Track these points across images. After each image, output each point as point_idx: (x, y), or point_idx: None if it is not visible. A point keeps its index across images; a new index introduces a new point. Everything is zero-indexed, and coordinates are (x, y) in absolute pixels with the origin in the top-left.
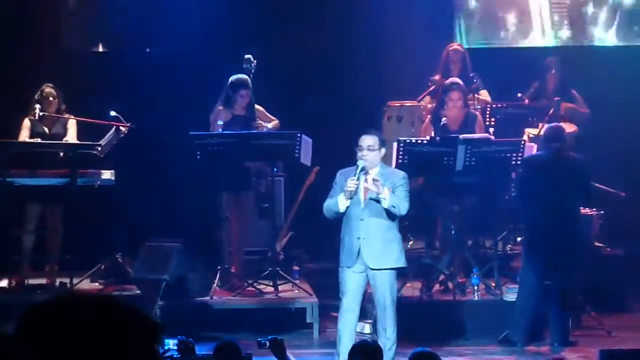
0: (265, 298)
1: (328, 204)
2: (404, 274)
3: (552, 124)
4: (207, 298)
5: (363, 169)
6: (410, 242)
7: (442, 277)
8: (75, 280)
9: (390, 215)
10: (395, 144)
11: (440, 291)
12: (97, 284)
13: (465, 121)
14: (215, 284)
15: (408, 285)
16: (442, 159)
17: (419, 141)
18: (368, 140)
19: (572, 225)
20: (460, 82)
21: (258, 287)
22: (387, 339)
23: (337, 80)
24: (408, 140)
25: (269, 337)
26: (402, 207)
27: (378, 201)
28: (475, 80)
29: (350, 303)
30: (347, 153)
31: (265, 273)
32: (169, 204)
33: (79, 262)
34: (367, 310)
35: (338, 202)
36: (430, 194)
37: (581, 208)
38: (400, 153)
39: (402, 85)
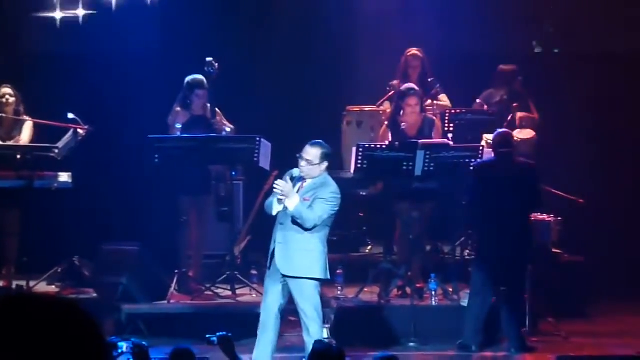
0: (223, 302)
1: (266, 203)
2: (362, 278)
3: (501, 130)
4: (164, 302)
5: (295, 177)
6: (369, 247)
7: (400, 282)
8: (32, 283)
9: (300, 225)
10: (354, 149)
11: (399, 296)
12: (54, 286)
13: (423, 127)
14: (173, 288)
15: (366, 290)
16: (401, 164)
17: (378, 146)
18: (309, 154)
19: (522, 231)
20: (417, 87)
21: (216, 291)
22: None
23: (297, 85)
24: (367, 145)
25: (218, 334)
26: (308, 219)
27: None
28: (434, 85)
29: (266, 308)
30: None
31: (223, 277)
32: (127, 207)
33: (36, 265)
34: (325, 315)
35: (272, 204)
36: (389, 199)
37: (536, 214)
38: (360, 158)
39: (362, 90)
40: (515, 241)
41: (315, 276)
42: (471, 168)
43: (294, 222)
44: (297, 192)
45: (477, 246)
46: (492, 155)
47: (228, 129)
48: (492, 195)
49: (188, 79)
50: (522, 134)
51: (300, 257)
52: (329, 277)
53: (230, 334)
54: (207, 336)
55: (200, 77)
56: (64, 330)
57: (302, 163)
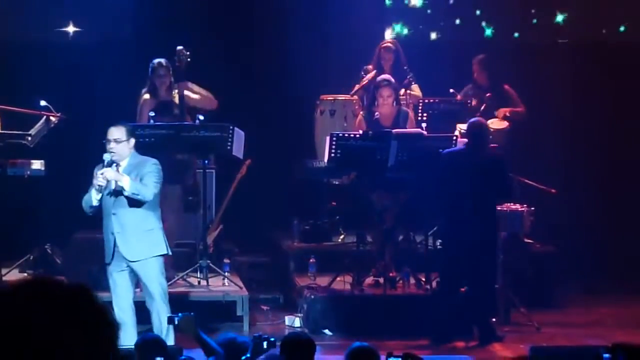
0: (195, 291)
1: (85, 198)
2: (335, 268)
3: (474, 119)
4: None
5: (112, 162)
6: (342, 236)
7: (372, 271)
8: (4, 271)
9: (141, 204)
10: (327, 138)
11: (371, 285)
12: (25, 274)
13: (397, 118)
14: None
15: (339, 279)
16: (375, 153)
17: (352, 135)
18: (114, 133)
19: (488, 221)
20: (391, 79)
21: (188, 279)
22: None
23: (269, 74)
24: (341, 135)
25: (180, 315)
26: (145, 193)
27: (119, 190)
28: (408, 75)
29: (119, 303)
30: (279, 145)
31: (196, 266)
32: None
33: (8, 252)
34: (297, 304)
35: (91, 196)
36: (362, 189)
37: (508, 204)
38: (333, 147)
39: (335, 78)
40: (481, 230)
41: (161, 253)
42: (440, 155)
43: (128, 206)
44: None
45: (444, 234)
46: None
47: (196, 96)
48: (459, 183)
49: (150, 63)
50: (495, 124)
51: (142, 239)
52: (170, 252)
53: (193, 314)
54: (169, 316)
55: (159, 59)
56: (80, 314)
57: (111, 145)
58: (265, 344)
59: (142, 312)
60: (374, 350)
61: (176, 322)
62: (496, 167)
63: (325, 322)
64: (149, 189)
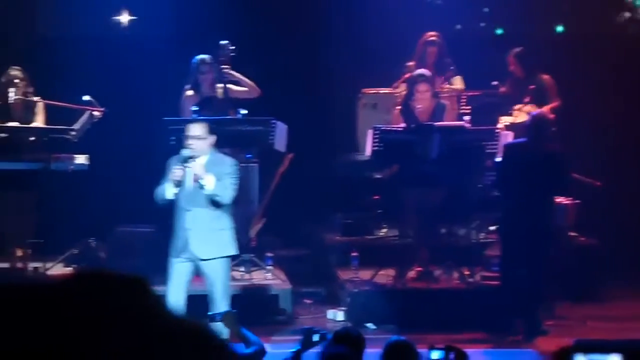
0: (237, 284)
1: (157, 190)
2: (377, 262)
3: (535, 112)
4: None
5: (191, 157)
6: (384, 230)
7: (415, 265)
8: (48, 265)
9: (217, 204)
10: (369, 132)
11: (414, 279)
12: (70, 269)
13: (435, 112)
14: None
15: (381, 272)
16: (417, 147)
17: (394, 129)
18: (196, 130)
19: (545, 215)
20: (427, 73)
21: (231, 273)
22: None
23: (312, 67)
24: (383, 128)
25: (222, 311)
26: (225, 195)
27: (201, 186)
28: (450, 68)
29: (174, 294)
30: (321, 139)
31: (238, 260)
32: (142, 190)
33: (52, 247)
34: (339, 297)
35: (165, 189)
36: (405, 182)
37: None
38: (376, 140)
39: (378, 72)
40: (537, 224)
41: (231, 253)
42: (494, 150)
43: (204, 204)
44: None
45: (501, 228)
46: (522, 136)
47: (239, 88)
48: (517, 177)
49: (193, 59)
50: (521, 118)
51: (215, 238)
52: (238, 252)
53: (235, 310)
54: (211, 313)
55: (202, 56)
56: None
57: (191, 141)
58: (317, 337)
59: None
60: (410, 345)
61: (218, 319)
62: (556, 161)
63: (368, 316)
64: (229, 192)
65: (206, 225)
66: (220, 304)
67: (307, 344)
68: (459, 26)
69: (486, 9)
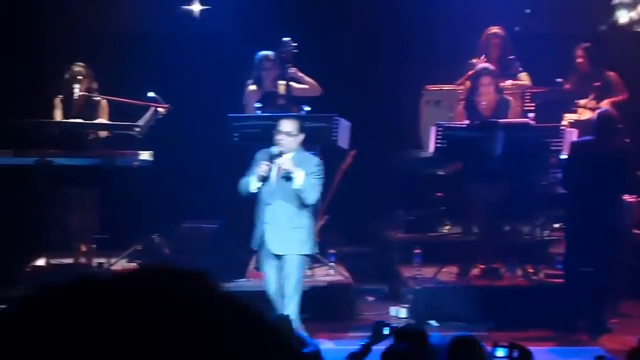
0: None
1: (242, 182)
2: (440, 259)
3: (602, 109)
4: (243, 280)
5: (279, 153)
6: (447, 227)
7: (478, 262)
8: (112, 261)
9: (299, 201)
10: (433, 128)
11: (477, 276)
12: (134, 264)
13: (498, 107)
14: (251, 266)
15: (444, 270)
16: (481, 143)
17: (458, 125)
18: (287, 126)
19: (611, 213)
20: (490, 67)
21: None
22: None
23: (375, 64)
24: (446, 125)
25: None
26: (311, 195)
27: (289, 179)
28: (514, 64)
29: (269, 288)
30: (384, 136)
31: None
32: (206, 185)
33: (116, 243)
34: (402, 295)
35: (250, 182)
36: (468, 179)
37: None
38: (439, 137)
39: (441, 69)
40: (603, 222)
41: (306, 252)
42: (559, 147)
43: (285, 200)
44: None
45: (567, 226)
46: (589, 133)
47: (301, 86)
48: (584, 174)
49: (256, 55)
50: (585, 115)
51: (291, 235)
52: (317, 250)
53: (287, 314)
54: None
55: (265, 52)
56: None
57: (281, 136)
58: (387, 330)
59: None
60: (476, 340)
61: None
62: (623, 158)
63: (431, 313)
64: (315, 191)
65: (284, 221)
66: (289, 301)
67: (376, 337)
68: (517, 28)
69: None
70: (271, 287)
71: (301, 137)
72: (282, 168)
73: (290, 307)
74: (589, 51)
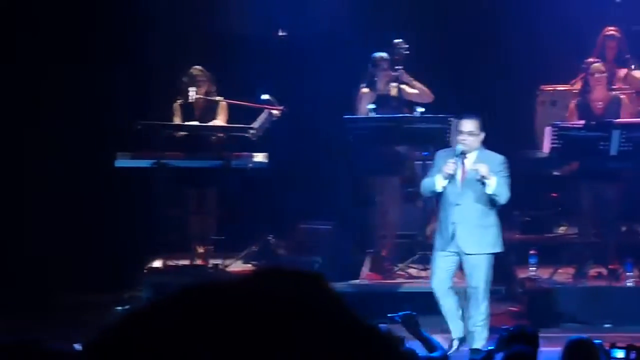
0: (415, 282)
1: (426, 182)
2: (556, 259)
3: None
4: (357, 281)
5: (463, 152)
6: (563, 228)
7: (595, 263)
8: (227, 262)
9: (488, 200)
10: (548, 129)
11: (594, 277)
12: (249, 265)
13: (610, 105)
14: (366, 268)
15: (561, 271)
16: (597, 143)
17: (574, 125)
18: (469, 125)
19: None
20: (603, 66)
21: (407, 271)
22: (476, 326)
23: (490, 65)
24: (562, 125)
25: (401, 313)
26: (503, 196)
27: (482, 183)
28: (630, 63)
29: (438, 285)
30: (498, 136)
31: (415, 257)
32: (320, 187)
33: (232, 244)
34: (518, 295)
35: (435, 181)
36: (584, 179)
37: None
38: (555, 137)
39: (556, 69)
40: None
41: (496, 251)
42: None
43: (474, 200)
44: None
45: None
46: None
47: (413, 90)
48: None
49: (372, 55)
50: None
51: (482, 234)
52: (503, 249)
53: (414, 313)
54: (390, 315)
55: (380, 53)
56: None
57: (464, 136)
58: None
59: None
60: (592, 343)
61: (399, 321)
62: None
63: (547, 314)
64: (506, 190)
65: (474, 220)
66: (481, 301)
67: (501, 345)
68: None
69: None
70: (443, 284)
71: (482, 135)
72: (479, 172)
73: (483, 305)
74: None
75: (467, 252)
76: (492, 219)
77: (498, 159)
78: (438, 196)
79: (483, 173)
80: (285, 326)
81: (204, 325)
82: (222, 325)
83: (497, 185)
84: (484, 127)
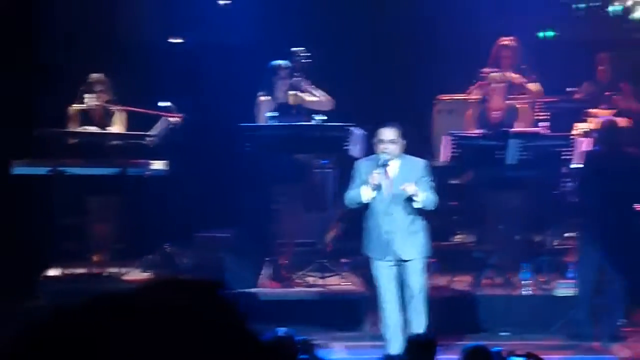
0: (313, 290)
1: (350, 194)
2: (453, 268)
3: (606, 118)
4: (255, 289)
5: (386, 162)
6: (460, 236)
7: (491, 271)
8: (123, 270)
9: (413, 208)
10: (445, 137)
11: (490, 286)
12: (146, 274)
13: (507, 115)
14: (264, 276)
15: (457, 279)
16: (493, 152)
17: (471, 134)
18: (390, 134)
19: (628, 221)
20: (503, 74)
21: (306, 279)
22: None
23: (387, 73)
24: (460, 134)
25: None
26: (431, 203)
27: (410, 199)
28: (525, 74)
29: (388, 295)
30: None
31: (314, 265)
32: (219, 195)
33: (128, 252)
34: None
35: (361, 192)
36: (480, 188)
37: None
38: (453, 146)
39: (453, 78)
40: (620, 231)
41: (427, 254)
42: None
43: (403, 208)
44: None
45: (582, 234)
46: (595, 143)
47: (313, 98)
48: (598, 184)
49: (269, 64)
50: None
51: (415, 239)
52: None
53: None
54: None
55: (279, 61)
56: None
57: (385, 145)
58: None
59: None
60: (488, 351)
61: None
62: (633, 167)
63: (445, 322)
64: (432, 198)
65: (405, 228)
66: (423, 307)
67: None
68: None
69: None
70: (389, 294)
71: (404, 142)
72: (406, 191)
73: (424, 307)
74: (612, 61)
75: (404, 259)
76: (420, 223)
77: (421, 164)
78: (363, 206)
79: (410, 193)
80: (174, 337)
81: (94, 344)
82: (115, 340)
83: (426, 198)
84: (403, 135)
